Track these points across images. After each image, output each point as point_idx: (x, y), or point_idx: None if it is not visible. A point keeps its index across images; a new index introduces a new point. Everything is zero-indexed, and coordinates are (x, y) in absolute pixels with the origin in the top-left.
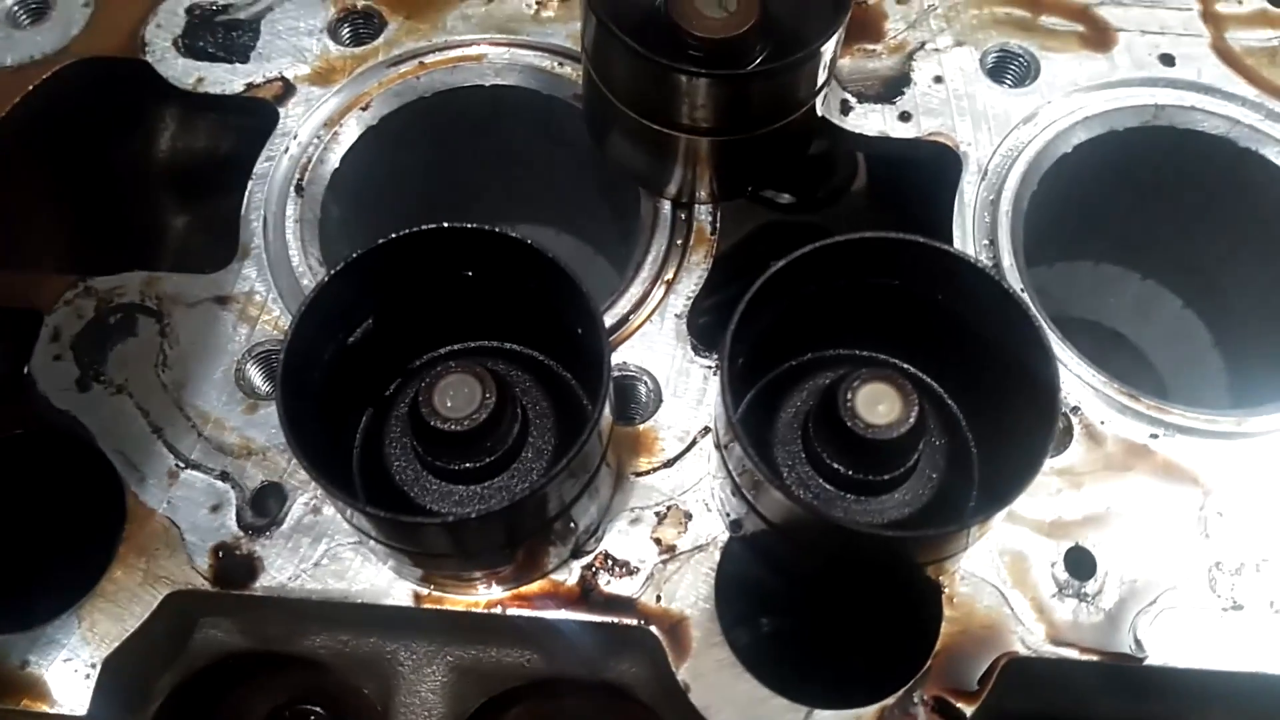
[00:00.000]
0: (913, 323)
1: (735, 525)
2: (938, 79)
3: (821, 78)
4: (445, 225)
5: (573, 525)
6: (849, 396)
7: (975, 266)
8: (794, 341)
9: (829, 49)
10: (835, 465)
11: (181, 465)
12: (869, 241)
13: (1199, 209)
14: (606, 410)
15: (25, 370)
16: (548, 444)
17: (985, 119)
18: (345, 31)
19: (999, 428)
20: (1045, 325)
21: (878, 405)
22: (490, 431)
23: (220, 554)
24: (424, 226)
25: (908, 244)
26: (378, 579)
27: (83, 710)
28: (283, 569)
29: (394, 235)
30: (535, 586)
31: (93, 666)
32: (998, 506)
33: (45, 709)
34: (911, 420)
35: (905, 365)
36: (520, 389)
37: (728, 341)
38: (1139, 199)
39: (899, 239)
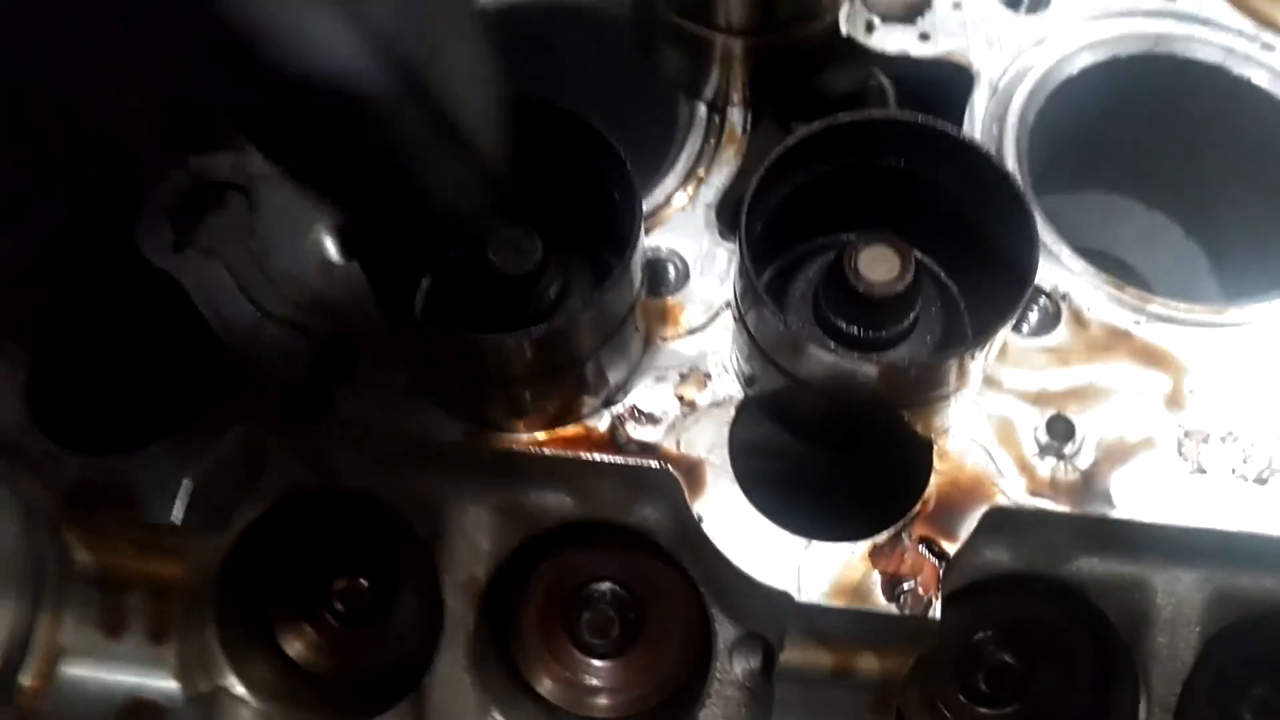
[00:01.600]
0: (914, 204)
1: (750, 381)
2: (956, 5)
3: None
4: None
5: (603, 375)
6: (853, 258)
7: (972, 144)
8: (807, 226)
9: None
10: (840, 323)
11: (262, 317)
12: (875, 121)
13: (1196, 137)
14: (636, 265)
15: (130, 234)
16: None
17: (998, 41)
18: None
19: (988, 300)
20: (1030, 203)
21: (878, 265)
22: (535, 281)
23: (295, 392)
24: None
25: (911, 124)
26: (432, 419)
27: (176, 521)
28: (351, 408)
29: None
30: (570, 431)
31: (184, 485)
32: (968, 349)
33: (143, 519)
34: (908, 278)
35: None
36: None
37: (746, 205)
38: (1142, 127)
39: (903, 118)
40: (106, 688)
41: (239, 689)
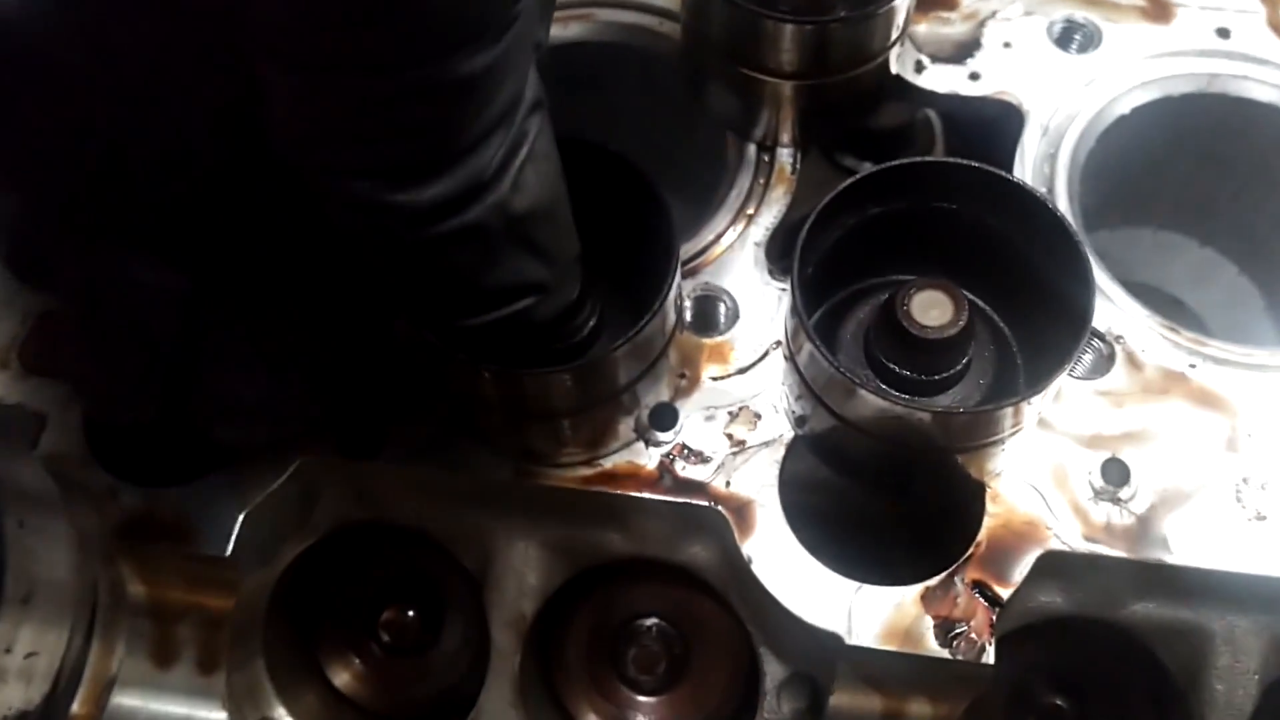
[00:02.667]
0: (966, 246)
1: (800, 421)
2: (1006, 44)
3: (894, 33)
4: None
5: (639, 403)
6: (906, 302)
7: (1025, 189)
8: (858, 266)
9: (901, 4)
10: (893, 366)
11: None
12: (928, 165)
13: (1250, 176)
14: (670, 304)
15: None
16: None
17: (1049, 81)
18: None
19: (1041, 342)
20: (1086, 248)
21: (931, 310)
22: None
23: (348, 430)
24: None
25: (963, 168)
26: (481, 458)
27: (226, 553)
28: (399, 447)
29: None
30: (620, 468)
31: (236, 518)
32: (1024, 397)
33: (195, 551)
34: (962, 322)
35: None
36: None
37: (798, 248)
38: (1195, 164)
39: (954, 163)
40: (155, 718)
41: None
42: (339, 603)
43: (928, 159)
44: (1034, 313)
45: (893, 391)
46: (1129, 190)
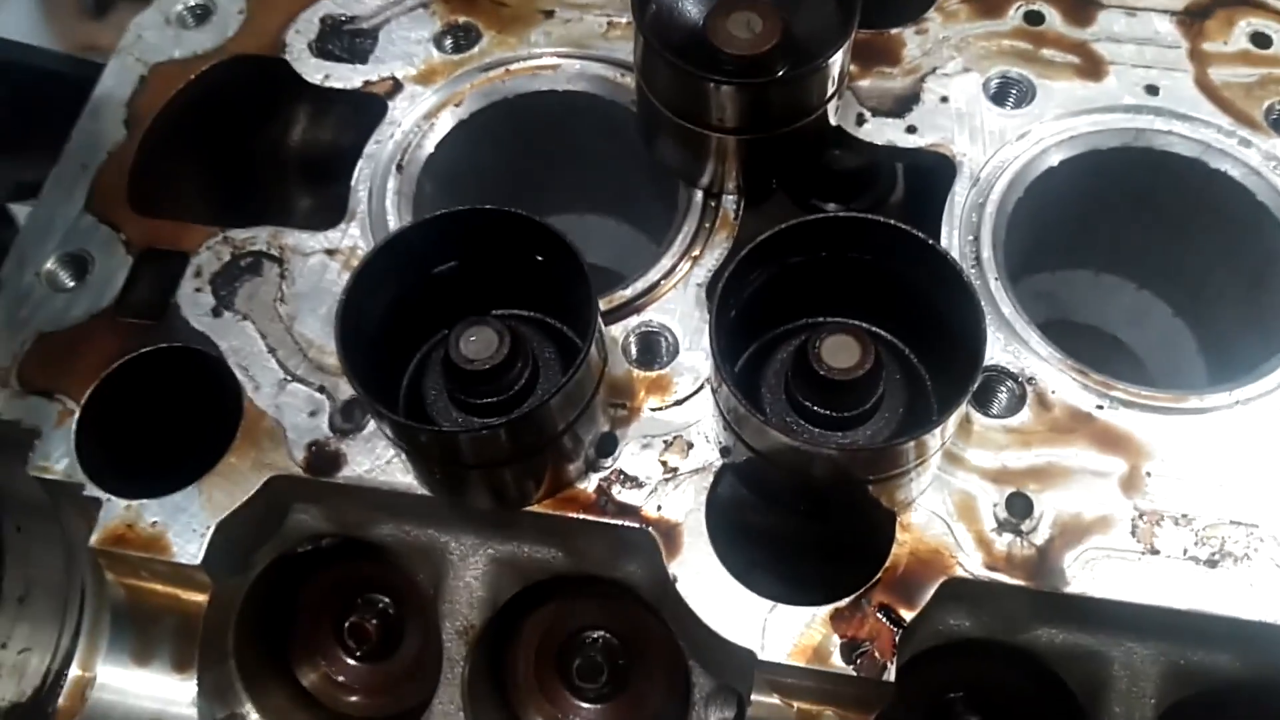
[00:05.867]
0: (881, 291)
1: (724, 452)
2: (944, 99)
3: (830, 89)
4: (473, 208)
5: (580, 444)
6: (817, 346)
7: (927, 243)
8: (783, 310)
9: (835, 64)
10: (809, 404)
11: (288, 378)
12: (840, 220)
13: (1179, 224)
14: (594, 352)
15: (172, 299)
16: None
17: (982, 134)
18: (448, 41)
19: (950, 379)
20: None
21: (840, 353)
22: (504, 372)
23: (313, 448)
24: (458, 208)
25: (872, 223)
26: None
27: (197, 561)
28: (361, 464)
29: (441, 212)
30: (561, 492)
31: (208, 528)
32: (919, 433)
33: (169, 559)
34: (868, 365)
35: (877, 329)
36: (534, 343)
37: (718, 293)
38: (1128, 212)
39: (864, 218)
40: (131, 713)
41: (254, 717)
42: (307, 609)
43: (840, 215)
44: (943, 352)
45: (797, 427)
46: (1065, 235)
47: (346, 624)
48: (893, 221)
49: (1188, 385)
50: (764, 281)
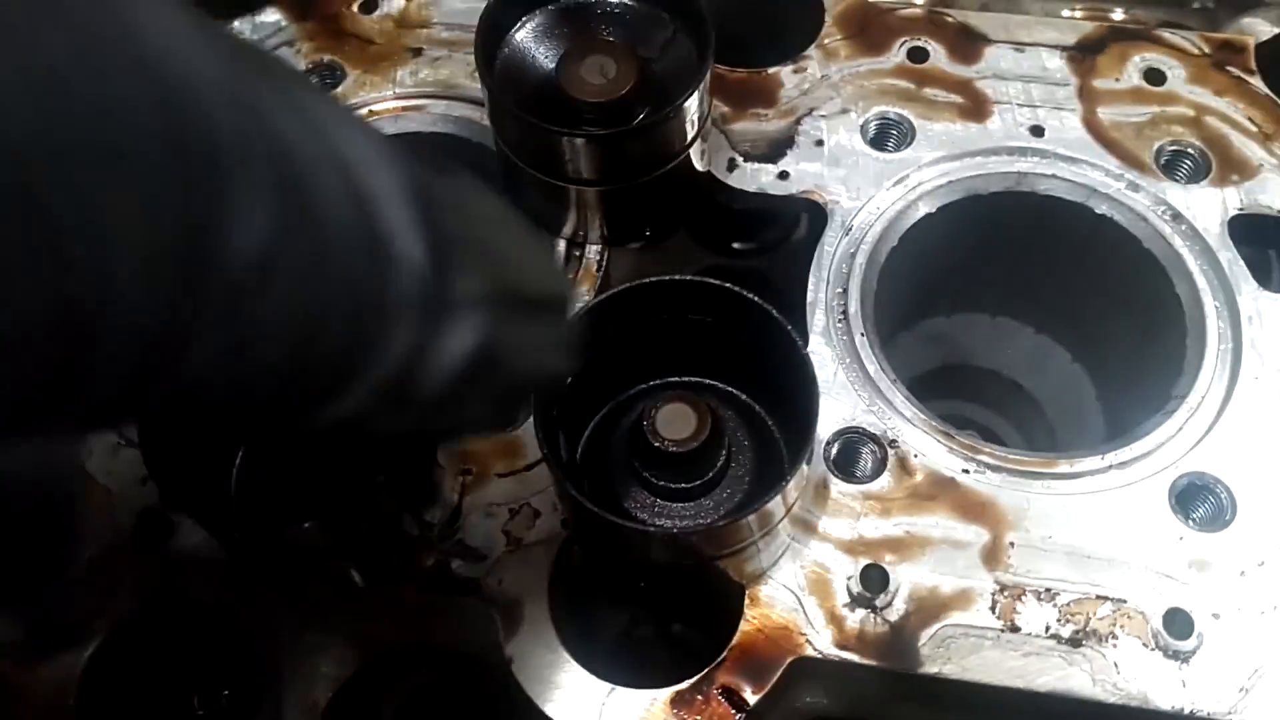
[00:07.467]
0: (726, 352)
1: (564, 524)
2: (819, 142)
3: (690, 133)
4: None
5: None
6: (651, 418)
7: (761, 306)
8: (630, 372)
9: (690, 107)
10: (650, 476)
11: (120, 444)
12: (676, 283)
13: (1071, 269)
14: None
15: None
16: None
17: (856, 179)
18: (313, 80)
19: (802, 440)
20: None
21: (675, 423)
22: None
23: (142, 520)
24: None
25: (707, 285)
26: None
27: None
28: (186, 538)
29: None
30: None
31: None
32: (746, 512)
33: None
34: (705, 434)
35: (731, 388)
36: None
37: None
38: (1017, 257)
39: (699, 281)
40: None
41: None
42: (151, 685)
43: (676, 278)
44: (791, 415)
45: (640, 500)
46: (954, 280)
47: (196, 698)
48: (725, 284)
49: (1088, 434)
50: (605, 345)
